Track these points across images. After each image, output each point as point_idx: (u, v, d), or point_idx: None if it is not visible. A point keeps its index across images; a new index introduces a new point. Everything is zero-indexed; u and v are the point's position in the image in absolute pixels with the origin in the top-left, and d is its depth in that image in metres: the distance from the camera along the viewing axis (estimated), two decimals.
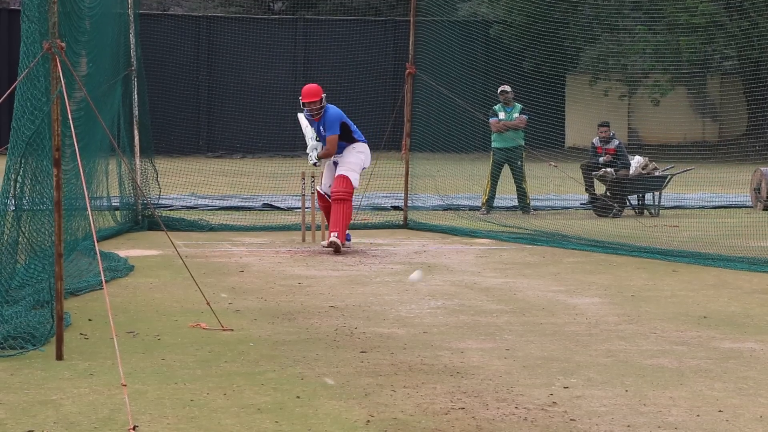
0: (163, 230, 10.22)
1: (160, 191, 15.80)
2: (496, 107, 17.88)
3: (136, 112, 14.97)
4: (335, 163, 13.08)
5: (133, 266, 11.24)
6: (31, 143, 7.92)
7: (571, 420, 5.85)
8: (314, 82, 13.94)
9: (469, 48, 27.41)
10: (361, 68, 30.67)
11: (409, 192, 15.96)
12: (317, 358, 7.24)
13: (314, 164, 13.12)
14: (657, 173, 17.83)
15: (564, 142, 27.10)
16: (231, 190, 19.86)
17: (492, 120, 17.76)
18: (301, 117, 13.22)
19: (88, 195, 7.87)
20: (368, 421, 5.78)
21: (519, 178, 17.64)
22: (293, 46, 32.49)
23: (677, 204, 19.05)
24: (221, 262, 11.92)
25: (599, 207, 17.47)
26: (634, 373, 6.91)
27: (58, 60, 7.21)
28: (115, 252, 11.99)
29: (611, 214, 17.16)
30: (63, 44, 7.30)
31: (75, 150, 7.82)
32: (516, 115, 17.74)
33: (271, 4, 38.66)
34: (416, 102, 16.68)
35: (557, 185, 20.69)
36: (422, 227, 15.51)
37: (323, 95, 12.90)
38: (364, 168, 13.17)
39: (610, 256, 12.71)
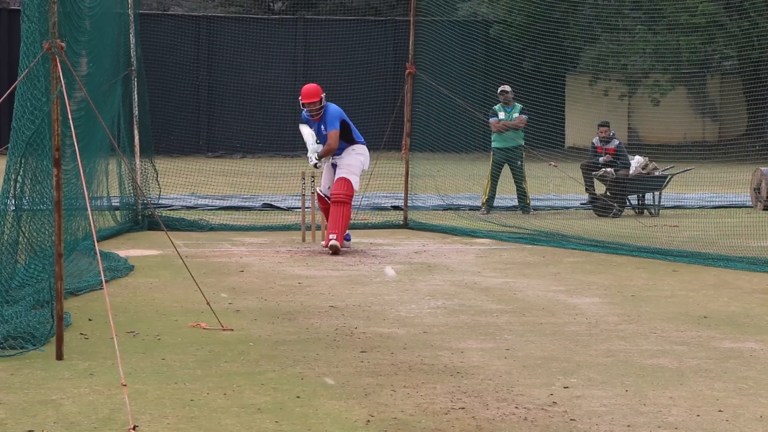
0: (163, 230, 10.22)
1: (160, 191, 15.79)
2: (496, 107, 17.88)
3: (136, 112, 14.96)
4: (334, 165, 13.05)
5: (133, 266, 11.24)
6: (31, 143, 7.92)
7: (571, 420, 5.85)
8: (314, 82, 13.89)
9: (469, 48, 27.40)
10: (361, 68, 30.66)
11: (409, 192, 15.94)
12: (317, 358, 7.24)
13: (315, 165, 13.08)
14: (657, 173, 17.82)
15: (564, 142, 27.12)
16: (231, 190, 19.85)
17: (492, 120, 17.76)
18: (303, 128, 13.11)
19: (88, 195, 7.86)
20: (368, 421, 5.79)
21: (519, 178, 17.63)
22: (293, 46, 32.49)
23: (677, 204, 19.05)
24: (221, 262, 11.91)
25: (599, 207, 17.46)
26: (634, 373, 6.91)
27: (58, 60, 7.20)
28: (115, 252, 11.99)
29: (611, 214, 17.15)
30: (63, 44, 7.30)
31: (75, 150, 7.83)
32: (516, 115, 17.73)
33: (271, 4, 38.66)
34: (416, 102, 16.67)
35: (557, 185, 20.69)
36: (422, 227, 15.50)
37: (323, 95, 12.88)
38: (363, 170, 13.16)
39: (610, 256, 12.70)
